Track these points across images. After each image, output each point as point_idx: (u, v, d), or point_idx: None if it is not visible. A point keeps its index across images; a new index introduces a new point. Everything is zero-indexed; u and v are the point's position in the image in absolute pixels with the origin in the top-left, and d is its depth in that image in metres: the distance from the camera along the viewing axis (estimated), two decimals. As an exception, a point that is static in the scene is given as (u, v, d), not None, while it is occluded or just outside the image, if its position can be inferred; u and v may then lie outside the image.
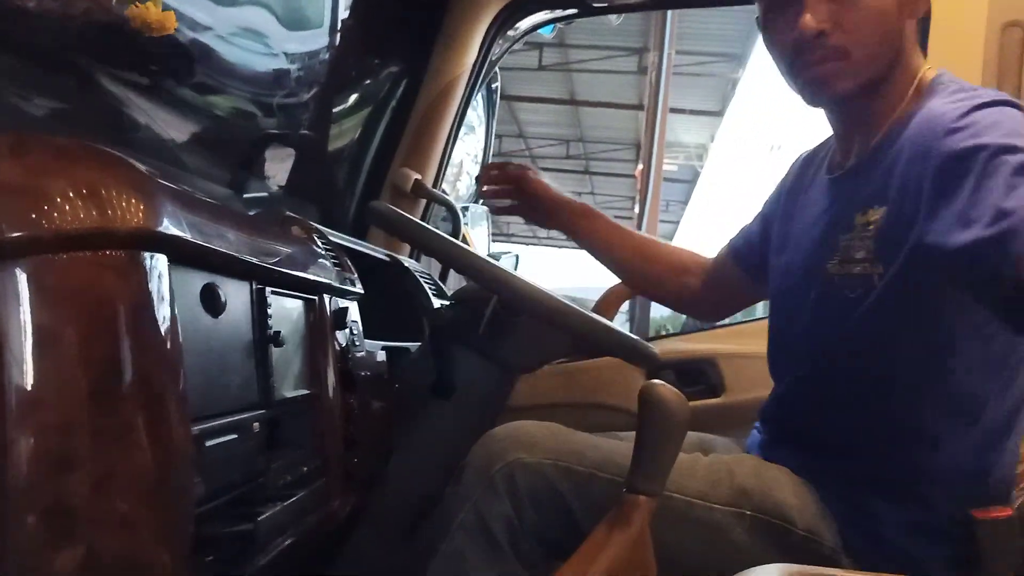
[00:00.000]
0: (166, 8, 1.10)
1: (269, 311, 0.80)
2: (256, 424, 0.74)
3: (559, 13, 1.83)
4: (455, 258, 0.99)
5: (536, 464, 0.95)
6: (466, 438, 1.15)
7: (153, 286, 0.57)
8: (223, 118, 1.41)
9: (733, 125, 11.18)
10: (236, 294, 0.74)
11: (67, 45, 1.06)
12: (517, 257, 2.54)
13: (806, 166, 1.13)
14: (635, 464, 0.85)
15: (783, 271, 1.08)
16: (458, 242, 1.03)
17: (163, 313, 0.57)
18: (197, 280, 0.66)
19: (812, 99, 0.97)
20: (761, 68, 8.62)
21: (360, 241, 1.46)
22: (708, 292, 1.28)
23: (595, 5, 1.81)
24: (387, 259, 1.49)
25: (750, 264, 1.21)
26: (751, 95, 9.88)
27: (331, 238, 1.13)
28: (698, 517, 0.94)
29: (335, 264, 1.05)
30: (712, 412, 1.48)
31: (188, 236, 0.62)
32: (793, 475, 0.98)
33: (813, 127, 1.16)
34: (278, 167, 1.60)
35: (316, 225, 1.12)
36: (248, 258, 0.74)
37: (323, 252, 1.03)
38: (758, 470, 0.98)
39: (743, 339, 1.58)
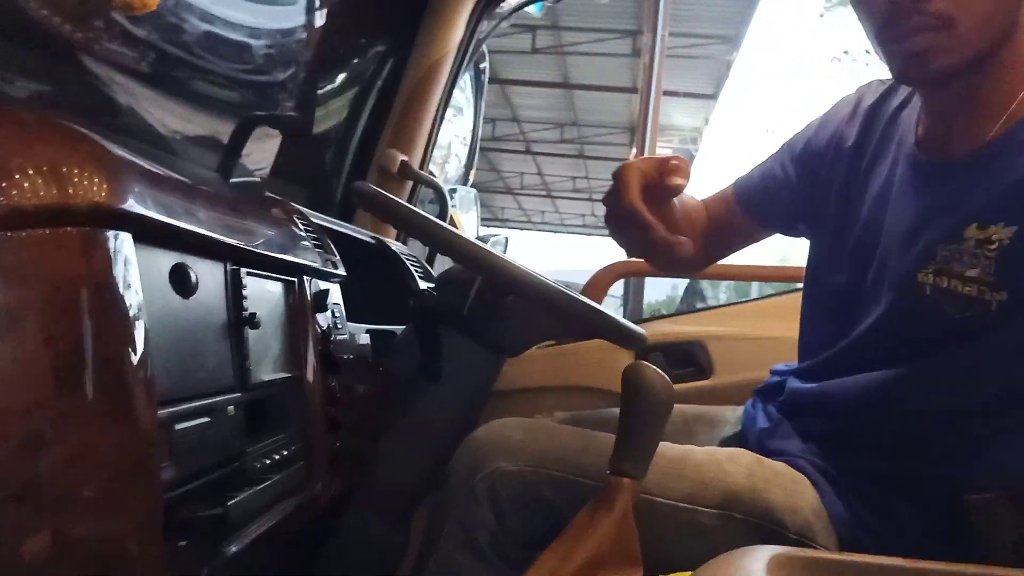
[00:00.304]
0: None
1: (245, 292, 0.78)
2: (231, 407, 0.72)
3: (546, -10, 1.81)
4: (439, 238, 0.98)
5: (517, 472, 0.92)
6: (454, 421, 1.14)
7: (117, 265, 0.55)
8: (206, 99, 1.39)
9: (728, 108, 11.14)
10: (209, 275, 0.72)
11: (48, 25, 1.03)
12: (506, 240, 2.53)
13: (873, 116, 0.97)
14: (619, 446, 0.84)
15: (848, 257, 0.95)
16: (443, 223, 1.01)
17: (128, 293, 0.56)
18: (166, 260, 0.65)
19: (902, 75, 0.81)
20: (755, 50, 8.58)
21: (345, 223, 1.44)
22: (703, 241, 1.08)
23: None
24: (373, 242, 1.47)
25: (764, 211, 1.08)
26: (745, 78, 9.83)
27: (313, 220, 1.11)
28: (685, 521, 0.90)
29: (317, 246, 1.03)
30: (700, 394, 1.47)
31: (154, 214, 0.60)
32: (792, 471, 0.92)
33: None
34: (263, 149, 1.58)
35: (297, 207, 1.10)
36: (221, 238, 0.72)
37: (304, 234, 1.02)
38: (751, 469, 0.92)
39: (732, 321, 1.58)
